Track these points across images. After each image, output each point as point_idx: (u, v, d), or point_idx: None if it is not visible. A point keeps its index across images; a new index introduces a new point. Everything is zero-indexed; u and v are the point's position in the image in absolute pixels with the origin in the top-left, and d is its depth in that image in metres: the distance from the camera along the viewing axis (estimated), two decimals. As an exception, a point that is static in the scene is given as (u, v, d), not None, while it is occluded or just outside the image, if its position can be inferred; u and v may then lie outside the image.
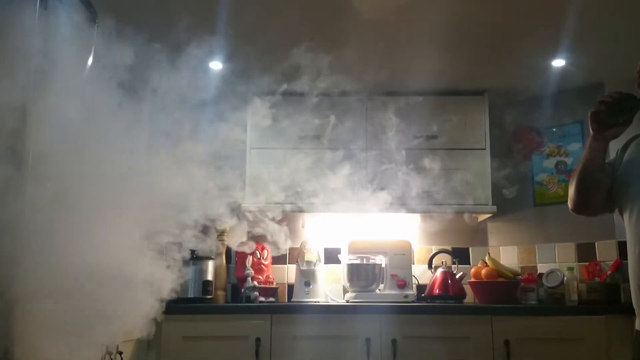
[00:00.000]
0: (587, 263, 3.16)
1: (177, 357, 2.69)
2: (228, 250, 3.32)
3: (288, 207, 3.21)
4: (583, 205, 1.91)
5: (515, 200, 3.41)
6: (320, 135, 3.21)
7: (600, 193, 1.86)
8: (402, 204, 3.16)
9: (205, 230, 2.99)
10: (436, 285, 3.21)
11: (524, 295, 3.14)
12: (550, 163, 3.41)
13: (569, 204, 1.93)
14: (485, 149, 3.25)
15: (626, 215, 1.82)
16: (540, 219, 3.39)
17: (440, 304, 3.04)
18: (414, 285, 3.33)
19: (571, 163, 3.33)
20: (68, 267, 1.55)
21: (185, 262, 3.04)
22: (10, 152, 1.49)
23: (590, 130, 1.80)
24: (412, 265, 3.36)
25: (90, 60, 1.82)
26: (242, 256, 3.25)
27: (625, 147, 1.90)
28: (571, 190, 1.90)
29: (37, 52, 1.54)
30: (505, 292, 3.10)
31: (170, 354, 2.69)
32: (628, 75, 1.93)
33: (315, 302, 3.18)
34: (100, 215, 1.69)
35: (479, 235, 3.52)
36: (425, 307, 2.92)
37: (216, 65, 3.01)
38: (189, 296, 2.97)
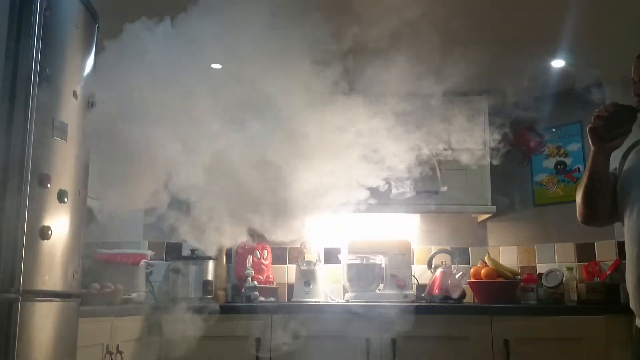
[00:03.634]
0: (586, 263, 3.16)
1: (177, 357, 2.69)
2: (228, 250, 3.32)
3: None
4: (591, 216, 1.93)
5: (515, 200, 3.41)
6: (320, 135, 3.21)
7: (607, 203, 1.88)
8: (402, 204, 3.16)
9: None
10: (436, 285, 3.21)
11: (523, 295, 3.15)
12: (549, 163, 3.42)
13: (578, 216, 1.96)
14: (484, 149, 3.26)
15: (626, 218, 1.84)
16: (539, 219, 3.40)
17: (440, 304, 3.04)
18: (414, 285, 3.34)
19: (570, 163, 3.34)
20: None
21: (186, 262, 3.06)
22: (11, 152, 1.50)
23: (591, 144, 1.82)
24: (412, 265, 3.36)
25: (90, 61, 1.82)
26: (242, 256, 3.25)
27: (625, 155, 1.92)
28: (578, 202, 1.93)
29: (38, 52, 1.54)
30: (504, 292, 3.10)
31: (170, 354, 2.69)
32: (628, 75, 1.94)
33: (315, 302, 3.18)
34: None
35: (479, 235, 3.52)
36: (425, 307, 2.92)
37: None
38: (189, 296, 2.98)
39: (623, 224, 1.88)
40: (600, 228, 2.97)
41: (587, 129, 1.80)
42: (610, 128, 1.76)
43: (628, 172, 1.87)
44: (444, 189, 3.14)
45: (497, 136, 3.37)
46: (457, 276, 3.22)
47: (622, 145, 1.85)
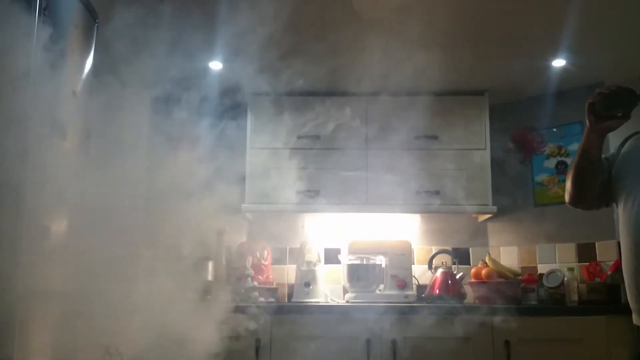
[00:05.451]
0: (587, 263, 3.16)
1: (176, 357, 2.69)
2: (228, 250, 3.32)
3: (288, 207, 3.21)
4: (578, 197, 1.92)
5: (516, 200, 3.41)
6: (320, 135, 3.21)
7: (595, 185, 1.87)
8: (402, 204, 3.16)
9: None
10: (436, 286, 3.21)
11: (524, 295, 3.14)
12: (550, 163, 3.41)
13: (566, 196, 1.94)
14: (485, 149, 3.25)
15: (620, 207, 1.84)
16: (540, 220, 3.39)
17: (441, 305, 3.03)
18: (414, 286, 3.33)
19: (571, 163, 3.33)
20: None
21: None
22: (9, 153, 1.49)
23: (587, 122, 1.81)
24: (412, 266, 3.36)
25: (90, 61, 1.82)
26: (242, 256, 3.25)
27: (623, 143, 1.92)
28: (568, 183, 1.92)
29: (36, 52, 1.54)
30: (505, 293, 3.09)
31: (170, 354, 2.69)
32: (628, 75, 1.93)
33: (315, 302, 3.18)
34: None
35: (479, 235, 3.52)
36: (426, 307, 2.91)
37: (216, 65, 3.01)
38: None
39: (617, 206, 1.87)
40: (600, 228, 3.03)
41: (586, 104, 1.80)
42: (608, 106, 1.76)
43: (625, 157, 1.86)
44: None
45: (498, 136, 3.37)
46: (457, 276, 3.22)
47: (622, 135, 1.85)
